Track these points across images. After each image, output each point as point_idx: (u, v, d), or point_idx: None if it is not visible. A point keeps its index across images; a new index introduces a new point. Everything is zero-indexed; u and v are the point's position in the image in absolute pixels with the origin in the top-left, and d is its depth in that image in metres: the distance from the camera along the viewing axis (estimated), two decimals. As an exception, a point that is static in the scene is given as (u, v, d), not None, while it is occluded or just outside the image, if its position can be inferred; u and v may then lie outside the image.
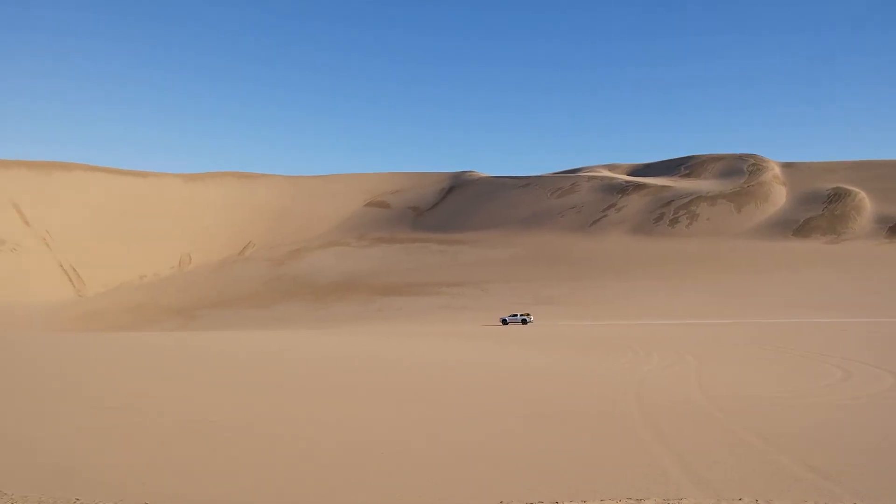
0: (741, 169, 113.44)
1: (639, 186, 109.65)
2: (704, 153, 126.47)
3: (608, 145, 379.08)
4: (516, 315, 42.50)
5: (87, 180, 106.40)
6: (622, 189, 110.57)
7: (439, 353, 23.46)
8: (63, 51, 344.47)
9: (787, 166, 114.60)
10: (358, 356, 22.12)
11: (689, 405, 13.21)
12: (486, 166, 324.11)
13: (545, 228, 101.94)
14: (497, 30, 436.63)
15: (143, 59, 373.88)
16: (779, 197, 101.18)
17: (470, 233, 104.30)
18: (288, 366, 19.30)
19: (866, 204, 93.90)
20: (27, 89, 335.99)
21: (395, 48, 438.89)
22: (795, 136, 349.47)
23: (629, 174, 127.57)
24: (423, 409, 12.56)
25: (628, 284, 64.92)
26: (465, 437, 10.42)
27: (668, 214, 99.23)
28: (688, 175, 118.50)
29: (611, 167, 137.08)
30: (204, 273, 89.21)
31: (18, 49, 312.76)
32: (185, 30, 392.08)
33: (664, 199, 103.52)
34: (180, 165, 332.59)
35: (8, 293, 73.96)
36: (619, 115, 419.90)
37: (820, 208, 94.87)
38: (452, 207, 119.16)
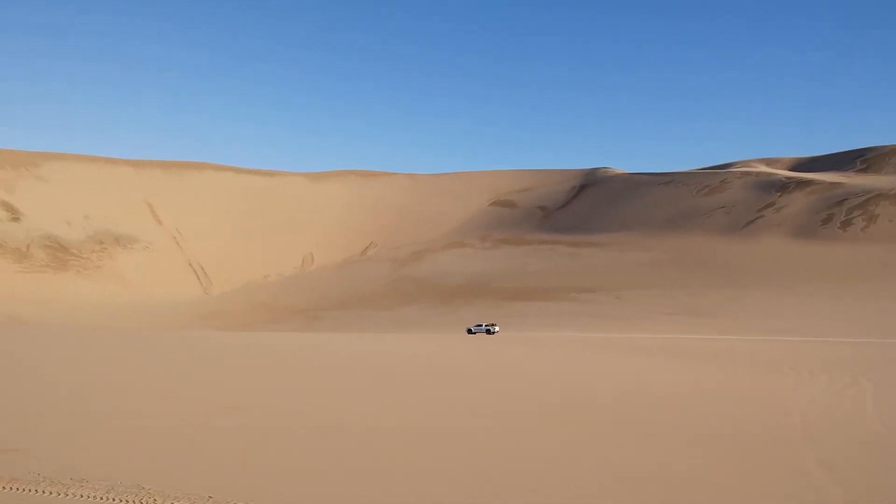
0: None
1: (803, 183, 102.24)
2: (886, 144, 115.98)
3: (766, 137, 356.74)
4: (481, 325, 45.04)
5: (216, 180, 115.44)
6: (782, 186, 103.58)
7: (589, 368, 23.24)
8: (197, 53, 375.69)
9: None
10: (507, 372, 22.14)
11: (866, 437, 12.24)
12: (623, 162, 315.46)
13: (689, 230, 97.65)
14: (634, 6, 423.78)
15: (275, 58, 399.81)
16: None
17: (603, 234, 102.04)
18: (424, 371, 19.86)
19: None
20: (166, 91, 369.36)
21: (520, 44, 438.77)
22: None
23: (791, 169, 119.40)
24: (593, 428, 12.38)
25: (787, 295, 60.80)
26: (637, 461, 10.18)
27: (838, 215, 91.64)
28: (864, 170, 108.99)
29: (768, 161, 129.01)
30: (326, 273, 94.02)
31: (157, 55, 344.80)
32: (311, 28, 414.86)
33: (834, 198, 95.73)
34: (305, 164, 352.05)
35: (141, 290, 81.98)
36: (780, 103, 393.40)
37: None
38: (584, 207, 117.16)
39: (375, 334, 42.83)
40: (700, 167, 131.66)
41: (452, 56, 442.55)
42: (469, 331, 44.79)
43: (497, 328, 44.54)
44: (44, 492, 6.44)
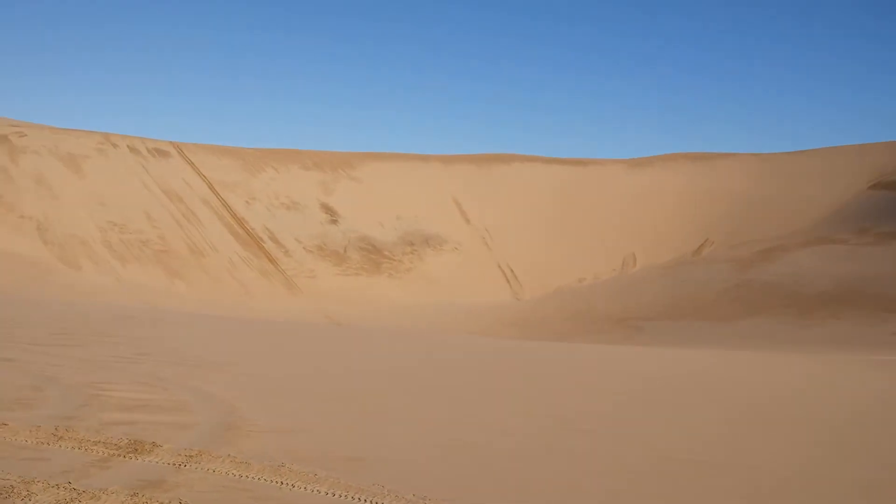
0: None
1: None
2: None
3: None
4: None
5: (525, 172, 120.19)
6: None
7: None
8: (502, 38, 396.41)
9: None
10: None
11: None
12: None
13: None
14: None
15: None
16: None
17: None
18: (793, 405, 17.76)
19: None
20: (478, 79, 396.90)
21: None
22: None
23: None
24: None
25: None
26: None
27: None
28: None
29: None
30: (651, 276, 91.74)
31: (467, 40, 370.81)
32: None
33: None
34: (623, 149, 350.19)
35: (449, 294, 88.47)
36: None
37: None
38: None
39: (726, 351, 40.10)
40: None
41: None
42: None
43: None
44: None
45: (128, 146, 76.78)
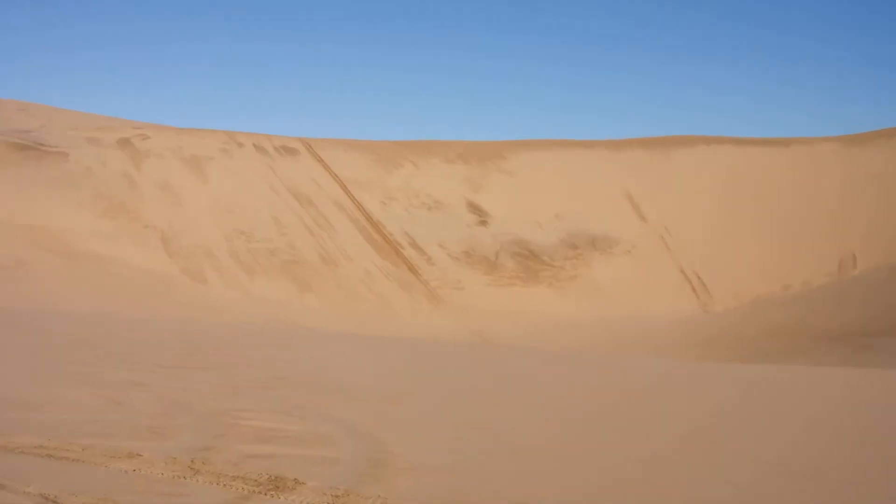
0: None
1: None
2: None
3: None
4: None
5: (712, 157, 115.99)
6: None
7: None
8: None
9: None
10: None
11: None
12: None
13: None
14: None
15: None
16: None
17: None
18: None
19: None
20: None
21: None
22: None
23: None
24: None
25: None
26: None
27: None
28: None
29: None
30: (877, 281, 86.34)
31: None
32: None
33: None
34: (835, 124, 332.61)
35: (621, 306, 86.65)
36: None
37: None
38: None
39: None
40: None
41: None
42: None
43: None
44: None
45: (253, 144, 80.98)
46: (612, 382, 26.58)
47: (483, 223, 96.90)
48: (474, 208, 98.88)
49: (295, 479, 8.53)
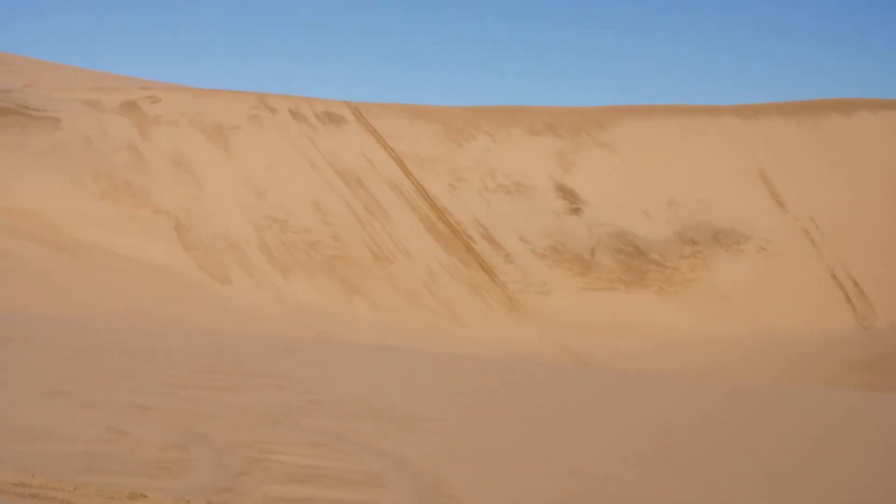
0: None
1: None
2: None
3: None
4: None
5: (876, 128, 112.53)
6: None
7: None
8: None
9: None
10: None
11: None
12: None
13: None
14: None
15: None
16: None
17: None
18: None
19: None
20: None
21: None
22: None
23: None
24: None
25: None
26: None
27: None
28: None
29: None
30: None
31: None
32: None
33: None
34: None
35: (752, 318, 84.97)
36: None
37: None
38: None
39: None
40: None
41: None
42: None
43: None
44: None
45: (289, 110, 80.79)
46: (751, 417, 26.13)
47: (576, 211, 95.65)
48: (565, 192, 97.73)
49: (335, 529, 8.57)
